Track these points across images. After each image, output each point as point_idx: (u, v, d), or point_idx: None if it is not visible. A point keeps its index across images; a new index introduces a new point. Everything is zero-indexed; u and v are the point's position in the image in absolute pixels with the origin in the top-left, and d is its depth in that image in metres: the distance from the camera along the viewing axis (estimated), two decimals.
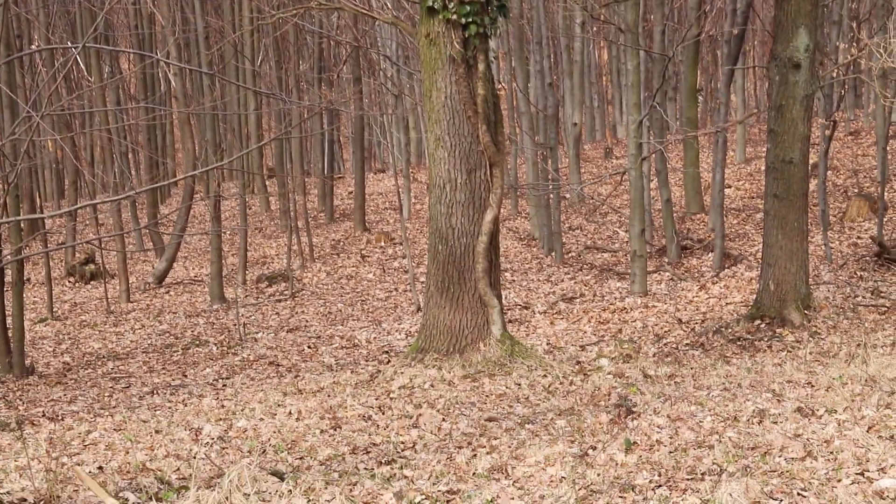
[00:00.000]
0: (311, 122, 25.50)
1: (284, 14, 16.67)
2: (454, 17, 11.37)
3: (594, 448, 7.67)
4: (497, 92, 12.23)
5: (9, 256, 14.85)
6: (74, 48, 14.61)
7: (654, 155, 18.48)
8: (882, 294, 14.16)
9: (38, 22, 21.70)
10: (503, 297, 13.02)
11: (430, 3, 11.39)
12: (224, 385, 13.38)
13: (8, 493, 6.51)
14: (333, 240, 25.01)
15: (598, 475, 6.91)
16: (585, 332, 14.82)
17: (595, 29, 29.89)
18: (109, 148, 24.75)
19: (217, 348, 16.52)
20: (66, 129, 21.42)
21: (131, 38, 24.95)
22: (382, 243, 24.12)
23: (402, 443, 8.61)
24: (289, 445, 8.67)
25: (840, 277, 15.38)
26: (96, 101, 22.66)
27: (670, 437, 7.75)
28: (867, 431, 7.37)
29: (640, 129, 17.22)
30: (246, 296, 20.57)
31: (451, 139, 11.66)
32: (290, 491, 6.80)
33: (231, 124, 25.40)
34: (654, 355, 12.62)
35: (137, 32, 24.50)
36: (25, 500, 6.35)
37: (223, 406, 11.14)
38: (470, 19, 11.42)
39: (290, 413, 10.13)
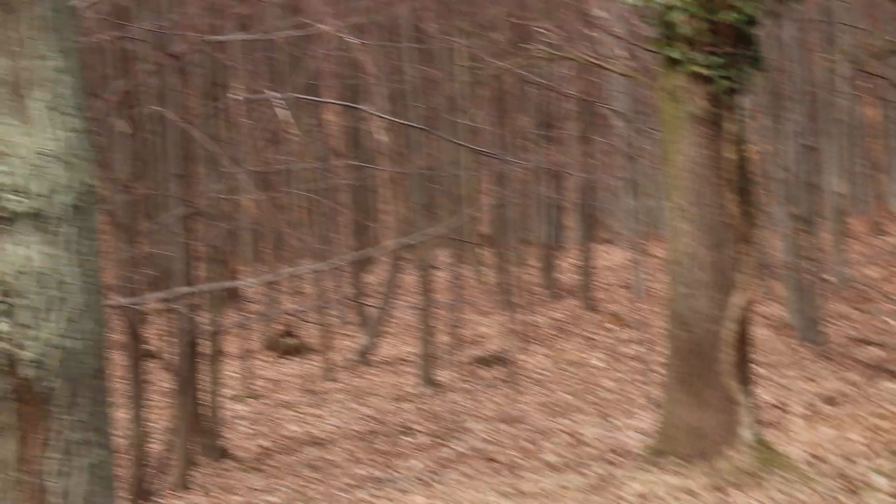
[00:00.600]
0: (531, 184, 25.76)
1: (507, 65, 16.92)
2: (700, 69, 11.20)
3: None
4: (748, 155, 12.03)
5: (206, 326, 15.56)
6: (278, 99, 15.27)
7: None
8: None
9: (239, 70, 22.75)
10: (754, 394, 12.78)
11: (672, 54, 11.30)
12: (435, 481, 13.55)
13: None
14: (555, 319, 25.06)
15: None
16: (853, 442, 14.34)
17: (863, 83, 29.17)
18: (312, 209, 25.63)
19: (426, 438, 16.78)
20: (266, 188, 22.33)
21: (337, 88, 25.77)
22: (611, 325, 24.06)
23: None
24: None
25: None
26: (298, 156, 23.51)
27: None
28: None
29: None
30: (458, 379, 20.85)
31: (694, 209, 11.45)
32: None
33: (443, 185, 25.80)
34: None
35: (344, 82, 25.31)
36: None
37: None
38: (718, 72, 11.22)
39: None
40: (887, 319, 21.57)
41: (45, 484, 5.47)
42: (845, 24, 22.41)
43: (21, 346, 5.32)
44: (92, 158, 5.21)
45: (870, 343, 20.39)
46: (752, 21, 11.41)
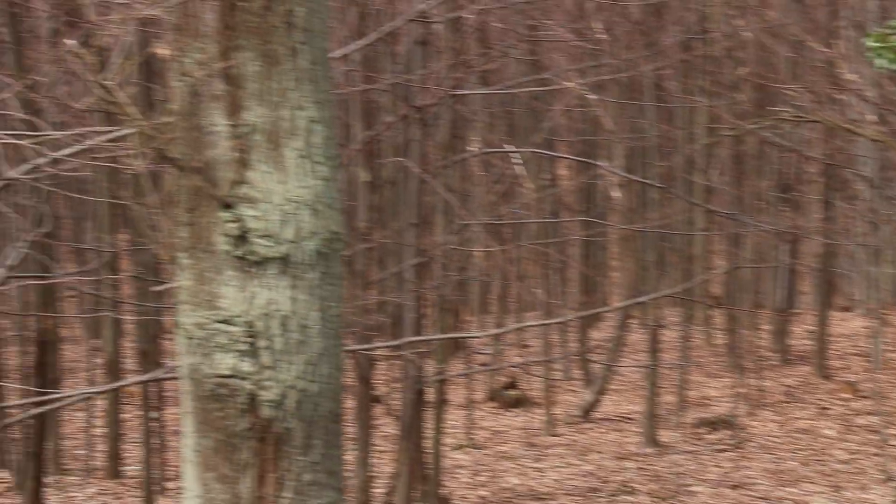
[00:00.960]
0: (767, 247, 25.21)
1: (750, 126, 16.63)
2: None
3: None
4: None
5: (432, 375, 15.71)
6: (514, 152, 15.41)
7: None
8: None
9: (478, 123, 22.97)
10: None
11: None
12: None
13: None
14: (786, 385, 24.39)
15: None
16: None
17: None
18: (541, 263, 25.68)
19: (648, 499, 16.53)
20: (498, 240, 22.49)
21: (574, 144, 25.75)
22: (846, 395, 23.27)
23: None
24: None
25: None
26: (531, 210, 23.60)
27: None
28: None
29: None
30: (683, 441, 20.50)
31: None
32: None
33: (675, 244, 25.50)
34: None
35: (581, 138, 25.31)
36: None
37: None
38: None
39: None
40: None
41: None
42: None
43: (262, 387, 5.45)
44: (339, 206, 5.33)
45: None
46: None
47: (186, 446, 5.76)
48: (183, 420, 5.93)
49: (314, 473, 5.62)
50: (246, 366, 5.27)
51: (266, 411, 5.42)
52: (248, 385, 5.40)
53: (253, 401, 5.40)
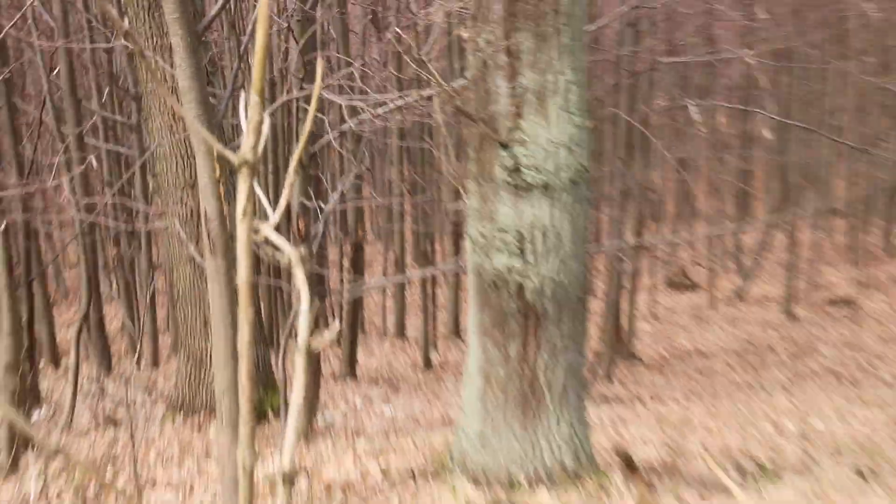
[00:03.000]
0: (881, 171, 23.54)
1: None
2: None
3: None
4: None
5: (629, 269, 15.39)
6: (693, 105, 14.86)
7: None
8: None
9: (665, 83, 22.10)
10: None
11: None
12: (793, 388, 12.70)
13: (640, 456, 6.64)
14: (892, 273, 22.87)
15: None
16: None
17: None
18: (709, 186, 24.79)
19: (786, 356, 15.79)
20: (679, 170, 21.85)
21: (734, 98, 24.50)
22: None
23: None
24: (864, 449, 7.97)
25: None
26: (703, 147, 22.64)
27: None
28: None
29: None
30: (813, 315, 19.51)
31: None
32: (874, 491, 6.23)
33: (810, 172, 24.19)
34: None
35: (740, 94, 24.16)
36: (653, 465, 6.43)
37: (795, 406, 10.53)
38: None
39: (860, 420, 9.32)
40: None
41: (536, 373, 5.49)
42: None
43: (527, 278, 5.34)
44: (588, 147, 5.11)
45: None
46: None
47: (471, 320, 5.69)
48: (469, 302, 5.86)
49: (563, 340, 5.48)
50: (516, 263, 5.14)
51: (529, 296, 5.31)
52: (517, 277, 5.29)
53: (520, 288, 5.30)
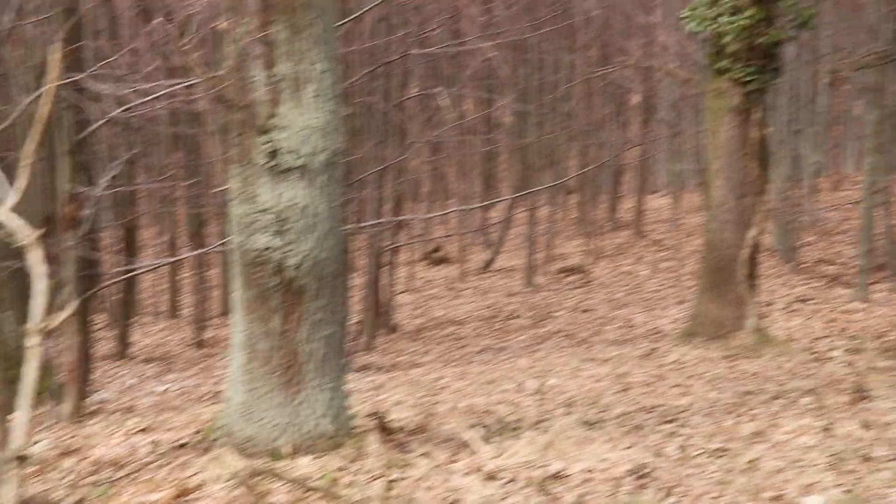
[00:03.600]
0: (607, 153, 25.26)
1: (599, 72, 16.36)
2: (739, 76, 10.85)
3: (835, 423, 7.21)
4: (766, 136, 11.59)
5: (386, 245, 15.69)
6: (441, 92, 15.37)
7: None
8: None
9: (418, 72, 22.48)
10: (756, 296, 12.38)
11: (720, 65, 11.02)
12: (534, 350, 13.45)
13: (395, 419, 6.84)
14: (616, 244, 24.71)
15: (842, 446, 6.48)
16: (816, 329, 13.90)
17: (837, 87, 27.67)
18: (458, 167, 25.55)
19: (528, 321, 16.67)
20: (430, 153, 22.44)
21: (480, 87, 25.30)
22: (654, 248, 23.62)
23: (678, 406, 8.38)
24: (591, 402, 8.61)
25: None
26: (450, 132, 23.33)
27: None
28: None
29: (874, 167, 16.18)
30: (549, 283, 20.69)
31: (726, 171, 11.15)
32: (597, 438, 6.74)
33: (544, 152, 25.47)
34: (876, 350, 11.69)
35: (484, 83, 25.06)
36: (407, 426, 6.62)
37: (534, 366, 11.19)
38: (751, 78, 10.83)
39: (589, 376, 10.06)
40: (843, 247, 20.67)
41: (297, 346, 5.57)
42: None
43: (287, 256, 5.41)
44: (341, 131, 5.23)
45: (829, 262, 19.61)
46: (777, 44, 11.03)
47: (235, 297, 5.69)
48: (234, 280, 5.84)
49: (322, 313, 5.60)
50: (276, 242, 5.20)
51: (289, 273, 5.39)
52: (277, 255, 5.36)
53: (281, 266, 5.37)
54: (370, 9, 10.43)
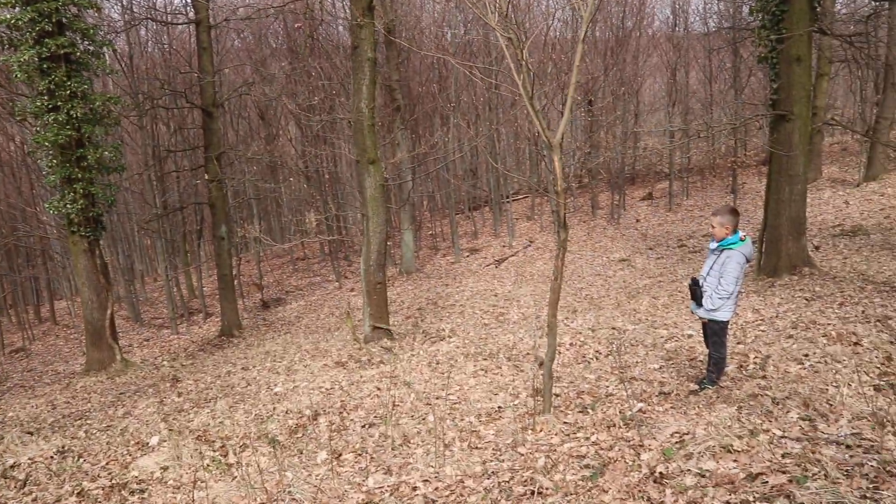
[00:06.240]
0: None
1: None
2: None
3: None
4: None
5: None
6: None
7: None
8: None
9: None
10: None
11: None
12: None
13: None
14: None
15: (169, 409, 8.80)
16: (154, 352, 17.16)
17: None
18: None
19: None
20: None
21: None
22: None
23: (84, 410, 10.49)
24: None
25: None
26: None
27: None
28: None
29: None
30: None
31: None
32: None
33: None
34: (184, 356, 14.94)
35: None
36: None
37: None
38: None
39: None
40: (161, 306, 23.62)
41: None
42: None
43: None
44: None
45: (159, 317, 22.95)
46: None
47: None
48: None
49: None
50: None
51: None
52: None
53: None
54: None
